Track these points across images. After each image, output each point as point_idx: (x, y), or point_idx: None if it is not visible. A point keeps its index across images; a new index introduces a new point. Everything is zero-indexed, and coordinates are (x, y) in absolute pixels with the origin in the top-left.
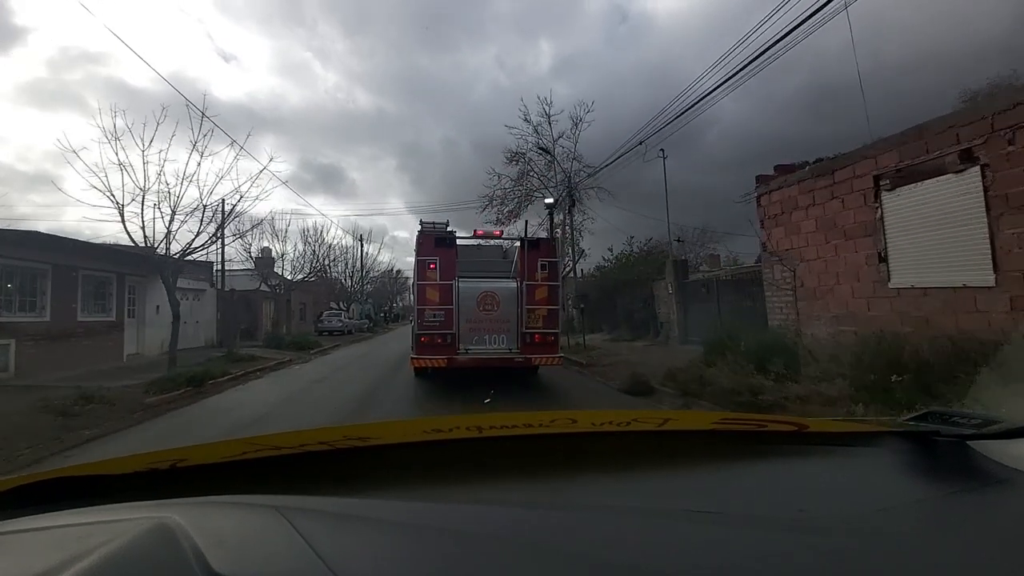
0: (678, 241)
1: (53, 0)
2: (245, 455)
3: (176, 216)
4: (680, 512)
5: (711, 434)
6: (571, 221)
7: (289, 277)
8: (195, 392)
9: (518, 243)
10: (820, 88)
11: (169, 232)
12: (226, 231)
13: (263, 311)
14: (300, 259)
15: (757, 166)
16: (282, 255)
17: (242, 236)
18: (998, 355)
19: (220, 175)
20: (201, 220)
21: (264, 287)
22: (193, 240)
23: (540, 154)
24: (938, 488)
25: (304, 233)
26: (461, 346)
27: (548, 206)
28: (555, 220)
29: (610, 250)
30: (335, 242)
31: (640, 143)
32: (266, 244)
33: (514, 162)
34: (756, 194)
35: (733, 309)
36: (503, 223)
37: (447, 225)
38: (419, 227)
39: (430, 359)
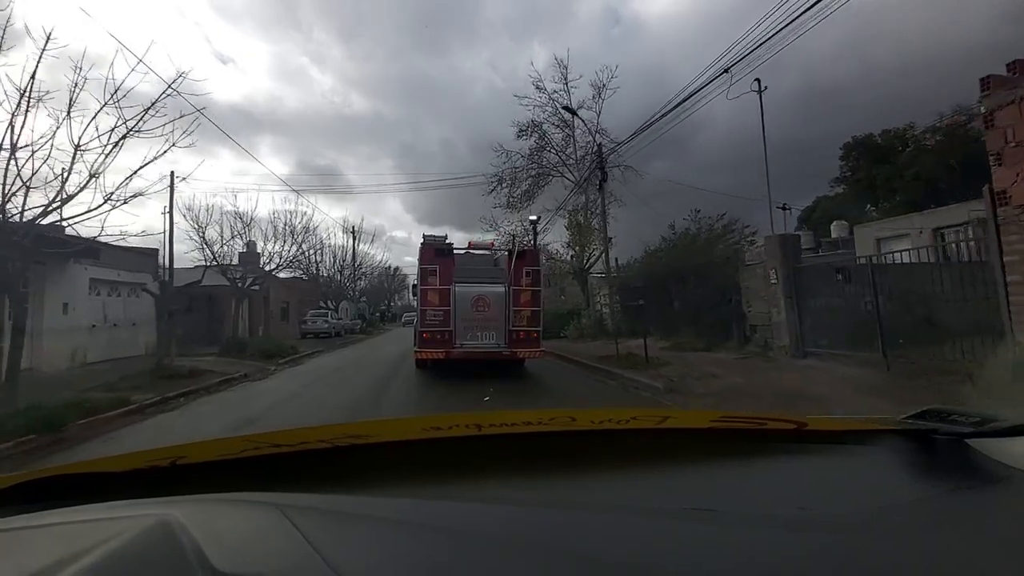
0: (783, 208)
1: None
2: (245, 453)
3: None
4: (679, 510)
5: (710, 432)
6: (603, 199)
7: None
8: (49, 443)
9: (506, 253)
10: (810, 89)
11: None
12: (122, 193)
13: (230, 311)
14: (273, 248)
15: (749, 167)
16: (233, 239)
17: (133, 198)
18: None
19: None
20: (69, 167)
21: (227, 282)
22: (53, 198)
23: (559, 126)
24: (936, 486)
25: (274, 217)
26: (457, 341)
27: (532, 222)
28: (587, 199)
29: (671, 227)
30: (317, 228)
31: (725, 71)
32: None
33: (526, 135)
34: (987, 108)
35: (912, 305)
36: (514, 207)
37: (446, 238)
38: (422, 239)
39: (431, 352)
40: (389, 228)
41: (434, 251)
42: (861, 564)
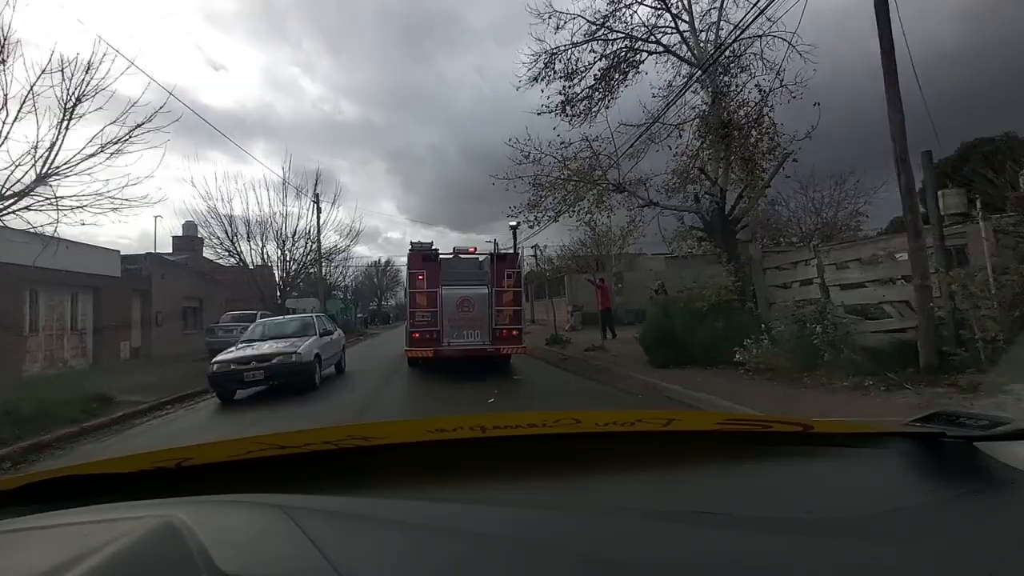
0: None
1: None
2: (250, 454)
3: None
4: (685, 513)
5: (716, 435)
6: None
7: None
8: None
9: (489, 257)
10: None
11: None
12: None
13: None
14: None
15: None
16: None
17: None
18: None
19: None
20: None
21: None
22: None
23: None
24: (945, 490)
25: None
26: (445, 340)
27: (512, 227)
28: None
29: None
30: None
31: None
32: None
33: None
34: None
35: None
36: (574, 113)
37: (431, 244)
38: (410, 246)
39: (420, 351)
40: (384, 229)
41: (421, 257)
42: (868, 568)
